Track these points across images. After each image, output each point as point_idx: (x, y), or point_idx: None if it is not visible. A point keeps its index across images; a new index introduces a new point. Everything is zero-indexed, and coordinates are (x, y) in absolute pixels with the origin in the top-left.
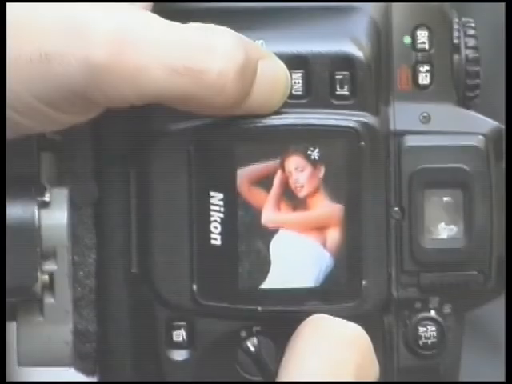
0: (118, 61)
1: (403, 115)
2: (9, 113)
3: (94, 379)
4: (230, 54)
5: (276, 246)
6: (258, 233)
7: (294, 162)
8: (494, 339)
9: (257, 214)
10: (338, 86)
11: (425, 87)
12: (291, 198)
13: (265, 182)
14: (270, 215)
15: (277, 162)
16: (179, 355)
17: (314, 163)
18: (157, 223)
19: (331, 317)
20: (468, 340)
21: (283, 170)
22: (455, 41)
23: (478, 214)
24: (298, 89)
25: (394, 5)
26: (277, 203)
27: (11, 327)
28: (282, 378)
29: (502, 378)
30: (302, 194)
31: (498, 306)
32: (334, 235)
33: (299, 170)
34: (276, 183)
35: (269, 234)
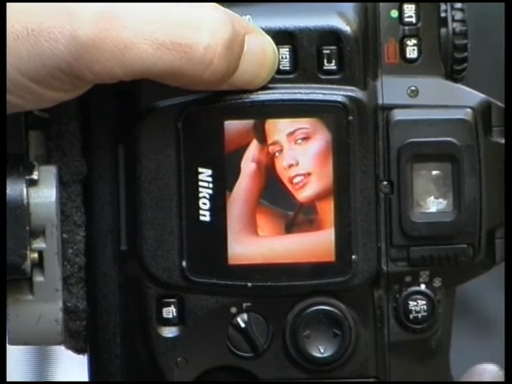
0: (105, 36)
1: (391, 89)
2: None
3: (85, 357)
4: (217, 28)
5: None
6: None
7: (287, 123)
8: (478, 316)
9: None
10: (325, 61)
11: (412, 61)
12: (282, 204)
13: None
14: (237, 246)
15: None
16: (169, 332)
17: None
18: (145, 200)
19: None
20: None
21: (263, 140)
22: (442, 14)
23: (467, 187)
24: (286, 64)
25: None
26: (250, 218)
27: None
28: None
29: (486, 356)
30: (306, 193)
31: (483, 283)
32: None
33: (298, 141)
34: (248, 170)
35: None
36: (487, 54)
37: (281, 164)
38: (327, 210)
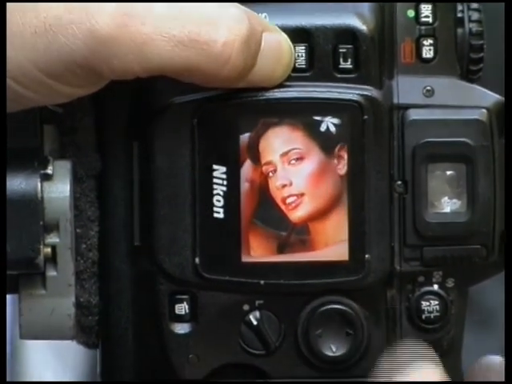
0: (124, 32)
1: (407, 89)
2: (13, 86)
3: (97, 352)
4: (235, 25)
5: None
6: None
7: (281, 145)
8: (478, 308)
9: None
10: (341, 60)
11: (428, 61)
12: (275, 224)
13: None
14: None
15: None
16: (181, 328)
17: (327, 147)
18: (159, 196)
19: None
20: None
21: (256, 160)
22: (459, 14)
23: (481, 188)
24: (302, 62)
25: None
26: (244, 237)
27: (14, 300)
28: None
29: (485, 347)
30: (298, 213)
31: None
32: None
33: (292, 161)
34: (242, 189)
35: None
36: (503, 54)
37: (274, 184)
38: (320, 231)
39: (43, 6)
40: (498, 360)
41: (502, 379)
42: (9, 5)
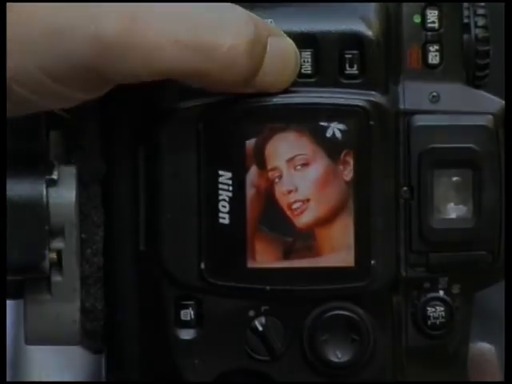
0: (129, 36)
1: (412, 94)
2: (19, 90)
3: (102, 357)
4: (241, 29)
5: None
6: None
7: (287, 150)
8: (485, 311)
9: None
10: (347, 65)
11: (434, 66)
12: (281, 230)
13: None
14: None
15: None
16: (187, 334)
17: (333, 152)
18: (165, 201)
19: None
20: None
21: (262, 166)
22: (465, 20)
23: (487, 194)
24: (307, 68)
25: None
26: (251, 241)
27: (19, 305)
28: None
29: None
30: (304, 219)
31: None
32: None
33: (298, 167)
34: (248, 195)
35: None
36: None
37: (280, 190)
38: (326, 237)
39: (49, 10)
40: (487, 347)
41: (496, 365)
42: (15, 8)
